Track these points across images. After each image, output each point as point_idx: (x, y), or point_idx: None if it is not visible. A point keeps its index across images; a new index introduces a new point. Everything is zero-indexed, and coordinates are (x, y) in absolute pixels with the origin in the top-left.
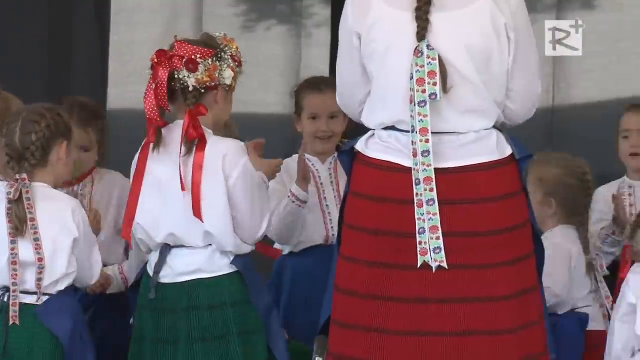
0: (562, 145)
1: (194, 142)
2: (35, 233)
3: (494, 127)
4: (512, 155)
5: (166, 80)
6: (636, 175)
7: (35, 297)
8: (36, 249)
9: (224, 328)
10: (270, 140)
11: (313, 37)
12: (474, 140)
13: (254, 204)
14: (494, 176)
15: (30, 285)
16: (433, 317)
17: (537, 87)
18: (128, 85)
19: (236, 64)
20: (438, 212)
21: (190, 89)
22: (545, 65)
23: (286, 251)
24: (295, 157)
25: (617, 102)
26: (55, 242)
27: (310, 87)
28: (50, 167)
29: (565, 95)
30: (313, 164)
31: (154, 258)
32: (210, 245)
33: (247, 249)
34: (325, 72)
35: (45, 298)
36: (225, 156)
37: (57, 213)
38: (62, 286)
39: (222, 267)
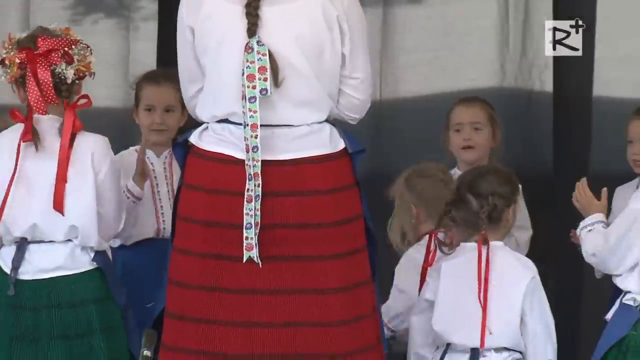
0: (389, 139)
1: (75, 135)
2: None
3: (327, 120)
4: (345, 149)
5: (50, 77)
6: (467, 168)
7: None
8: None
9: (87, 325)
10: (99, 134)
11: (140, 30)
12: (307, 133)
13: (119, 199)
14: (326, 169)
15: None
16: (262, 308)
17: (372, 76)
18: None
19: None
20: (260, 208)
21: (69, 81)
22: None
23: (116, 244)
24: (132, 149)
25: (443, 96)
26: None
27: (148, 79)
28: None
29: (392, 89)
30: (148, 157)
31: (7, 253)
32: (70, 240)
33: (106, 245)
34: (153, 66)
35: None
36: (94, 153)
37: None
38: None
39: (84, 263)
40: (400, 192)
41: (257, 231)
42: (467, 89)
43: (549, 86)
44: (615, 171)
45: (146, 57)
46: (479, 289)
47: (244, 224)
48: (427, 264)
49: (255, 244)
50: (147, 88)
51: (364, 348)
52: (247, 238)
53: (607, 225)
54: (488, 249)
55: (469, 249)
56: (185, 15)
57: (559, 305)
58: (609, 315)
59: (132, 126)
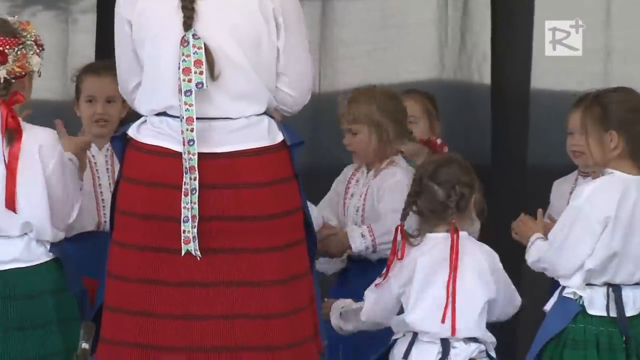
0: (328, 132)
1: (14, 132)
2: None
3: (266, 113)
4: (283, 141)
5: None
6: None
7: None
8: None
9: (44, 317)
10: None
11: (79, 23)
12: (245, 126)
13: (67, 191)
14: (264, 162)
15: None
16: (201, 300)
17: (310, 71)
18: None
19: (40, 48)
20: (197, 201)
21: (1, 81)
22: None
23: None
24: None
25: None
26: None
27: (88, 70)
28: None
29: (331, 81)
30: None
31: None
32: (26, 234)
33: (61, 236)
34: (92, 58)
35: None
36: (41, 145)
37: None
38: None
39: (39, 255)
40: (367, 113)
41: (195, 224)
42: (406, 81)
43: (487, 79)
44: (552, 164)
45: (85, 50)
46: (449, 278)
47: (182, 217)
48: (393, 256)
49: (194, 237)
50: (88, 79)
51: (302, 340)
52: (184, 231)
53: (546, 232)
54: (458, 238)
55: (438, 239)
56: (122, 8)
57: None
58: (547, 307)
59: (71, 119)
